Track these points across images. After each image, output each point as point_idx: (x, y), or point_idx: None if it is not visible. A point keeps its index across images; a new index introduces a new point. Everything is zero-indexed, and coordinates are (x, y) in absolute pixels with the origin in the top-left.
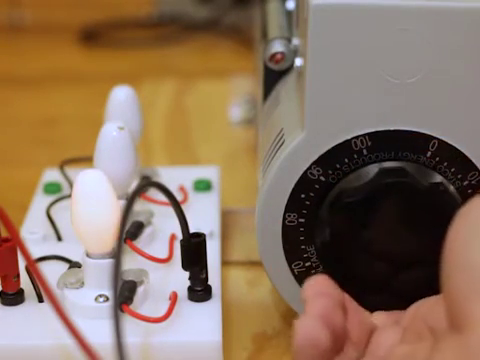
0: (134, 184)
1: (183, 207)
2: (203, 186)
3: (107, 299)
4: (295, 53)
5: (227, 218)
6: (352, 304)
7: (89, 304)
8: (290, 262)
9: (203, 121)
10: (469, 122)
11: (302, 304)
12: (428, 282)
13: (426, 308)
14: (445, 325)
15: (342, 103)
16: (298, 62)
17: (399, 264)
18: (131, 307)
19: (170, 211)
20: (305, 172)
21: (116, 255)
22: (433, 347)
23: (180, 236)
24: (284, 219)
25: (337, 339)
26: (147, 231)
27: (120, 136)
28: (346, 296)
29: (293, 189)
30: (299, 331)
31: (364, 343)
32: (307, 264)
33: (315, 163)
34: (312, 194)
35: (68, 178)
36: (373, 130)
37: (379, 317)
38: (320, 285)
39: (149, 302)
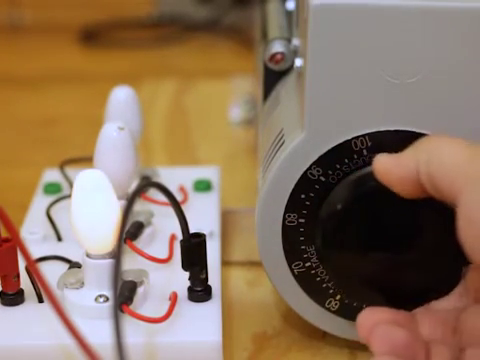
0: (134, 184)
1: (183, 207)
2: (203, 186)
3: (107, 299)
4: (295, 53)
5: (227, 218)
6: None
7: (89, 304)
8: (290, 262)
9: (203, 121)
10: (469, 122)
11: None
12: (432, 279)
13: None
14: None
15: (342, 103)
16: (298, 62)
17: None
18: (131, 307)
19: (170, 211)
20: (305, 172)
21: (116, 255)
22: None
23: (180, 236)
24: (284, 219)
25: (413, 352)
26: (147, 231)
27: (120, 136)
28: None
29: (293, 189)
30: None
31: (452, 336)
32: (307, 264)
33: (315, 163)
34: (312, 194)
35: (68, 178)
36: (373, 130)
37: (442, 304)
38: (369, 317)
39: (149, 302)
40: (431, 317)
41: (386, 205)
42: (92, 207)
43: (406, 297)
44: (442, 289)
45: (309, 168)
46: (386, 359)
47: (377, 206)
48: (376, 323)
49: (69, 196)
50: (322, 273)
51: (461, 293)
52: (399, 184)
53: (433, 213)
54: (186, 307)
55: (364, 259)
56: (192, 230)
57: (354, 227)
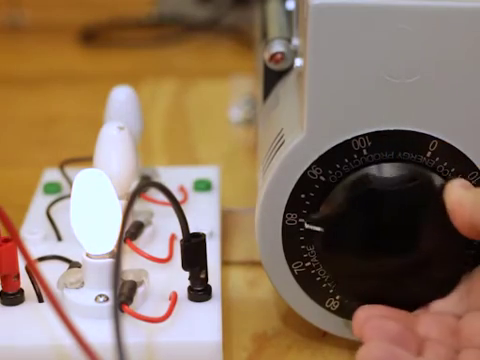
0: (134, 184)
1: (183, 207)
2: (203, 186)
3: (107, 299)
4: (295, 53)
5: (227, 218)
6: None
7: (89, 304)
8: (290, 262)
9: (203, 121)
10: (469, 122)
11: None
12: (432, 279)
13: None
14: None
15: (342, 103)
16: (298, 62)
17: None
18: (131, 307)
19: (170, 211)
20: (305, 172)
21: (116, 255)
22: None
23: (180, 236)
24: (284, 219)
25: (404, 343)
26: (147, 231)
27: (120, 136)
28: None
29: (293, 189)
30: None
31: (448, 337)
32: (307, 264)
33: (315, 163)
34: (312, 194)
35: (68, 178)
36: (373, 130)
37: (440, 305)
38: (362, 316)
39: (149, 302)
40: (429, 317)
41: (386, 205)
42: (92, 207)
43: (406, 297)
44: (442, 290)
45: (309, 168)
46: (376, 342)
47: (377, 206)
48: (369, 317)
49: (69, 196)
50: (322, 273)
51: (461, 296)
52: (470, 226)
53: (433, 214)
54: (186, 307)
55: (363, 259)
56: (192, 230)
57: (354, 227)
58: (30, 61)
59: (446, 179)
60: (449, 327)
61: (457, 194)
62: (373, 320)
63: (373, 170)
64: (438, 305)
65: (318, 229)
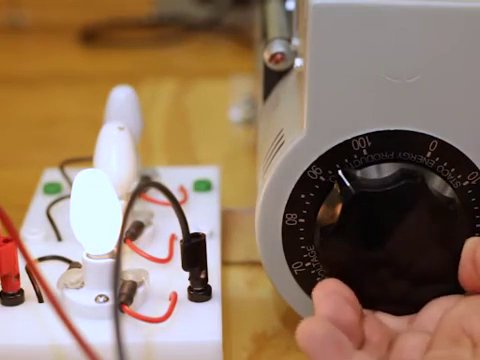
0: (134, 184)
1: (183, 207)
2: (203, 186)
3: (107, 299)
4: (295, 53)
5: (227, 218)
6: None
7: (89, 304)
8: (290, 262)
9: (203, 121)
10: (469, 122)
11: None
12: (430, 286)
13: (460, 312)
14: None
15: (342, 103)
16: (298, 62)
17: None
18: (131, 307)
19: (170, 211)
20: (305, 172)
21: (116, 255)
22: (475, 352)
23: (180, 236)
24: (284, 219)
25: (351, 336)
26: (147, 231)
27: (120, 136)
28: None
29: (293, 189)
30: (301, 331)
31: (384, 347)
32: (307, 264)
33: (315, 163)
34: (312, 194)
35: (68, 178)
36: (373, 130)
37: (391, 321)
38: (328, 286)
39: (149, 302)
40: (375, 322)
41: (386, 205)
42: (92, 207)
43: (405, 298)
44: (440, 290)
45: (309, 168)
46: (322, 321)
47: (377, 206)
48: (335, 292)
49: (69, 196)
50: (322, 273)
51: (411, 317)
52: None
53: (433, 214)
54: (186, 307)
55: (363, 259)
56: (192, 230)
57: (353, 227)
58: (30, 61)
59: (446, 179)
60: (387, 338)
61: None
62: (337, 295)
63: (373, 170)
64: (386, 318)
65: (348, 184)
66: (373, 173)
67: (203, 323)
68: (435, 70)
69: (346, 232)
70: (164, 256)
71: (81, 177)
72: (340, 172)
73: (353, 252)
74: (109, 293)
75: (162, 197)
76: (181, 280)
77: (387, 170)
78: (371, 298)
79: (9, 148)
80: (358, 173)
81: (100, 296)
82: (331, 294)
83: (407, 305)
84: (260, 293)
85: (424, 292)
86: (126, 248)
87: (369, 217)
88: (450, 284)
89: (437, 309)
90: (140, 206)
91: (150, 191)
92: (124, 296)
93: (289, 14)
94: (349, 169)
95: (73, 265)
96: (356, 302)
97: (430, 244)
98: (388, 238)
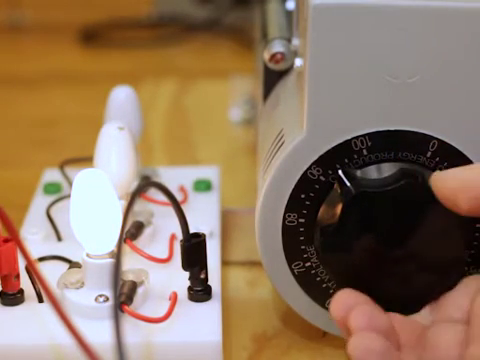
0: (134, 184)
1: (183, 207)
2: (203, 186)
3: (107, 299)
4: (295, 53)
5: (227, 218)
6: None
7: (89, 304)
8: (290, 262)
9: (203, 121)
10: (469, 122)
11: (333, 321)
12: (432, 279)
13: None
14: None
15: (342, 103)
16: (298, 62)
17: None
18: (131, 307)
19: (170, 211)
20: (305, 172)
21: (116, 255)
22: None
23: (180, 236)
24: (284, 219)
25: (391, 341)
26: (147, 231)
27: (120, 136)
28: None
29: (293, 189)
30: (355, 347)
31: (417, 345)
32: (307, 264)
33: (315, 163)
34: (312, 194)
35: (68, 178)
36: (373, 130)
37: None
38: (345, 299)
39: (149, 302)
40: (400, 319)
41: (386, 205)
42: (92, 207)
43: (405, 298)
44: (441, 290)
45: (309, 168)
46: (371, 334)
47: (377, 206)
48: (357, 303)
49: (69, 196)
50: (322, 273)
51: (432, 307)
52: (471, 208)
53: (433, 214)
54: (186, 307)
55: (363, 259)
56: (192, 230)
57: (354, 227)
58: (30, 61)
59: None
60: (416, 334)
61: (453, 181)
62: (364, 306)
63: (373, 170)
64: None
65: (348, 184)
66: (373, 173)
67: (203, 323)
68: (435, 70)
69: (346, 232)
70: (164, 256)
71: (81, 177)
72: (340, 172)
73: (353, 252)
74: (109, 293)
75: (162, 197)
76: (181, 280)
77: (387, 170)
78: (372, 298)
79: (9, 148)
80: (358, 173)
81: (100, 296)
82: (355, 306)
83: (408, 305)
84: (260, 293)
85: (424, 292)
86: (126, 248)
87: (369, 217)
88: (451, 282)
89: (461, 295)
90: (140, 206)
91: (150, 191)
92: (124, 296)
93: (289, 14)
94: (349, 169)
95: (73, 265)
96: (375, 304)
97: (430, 243)
98: (388, 238)
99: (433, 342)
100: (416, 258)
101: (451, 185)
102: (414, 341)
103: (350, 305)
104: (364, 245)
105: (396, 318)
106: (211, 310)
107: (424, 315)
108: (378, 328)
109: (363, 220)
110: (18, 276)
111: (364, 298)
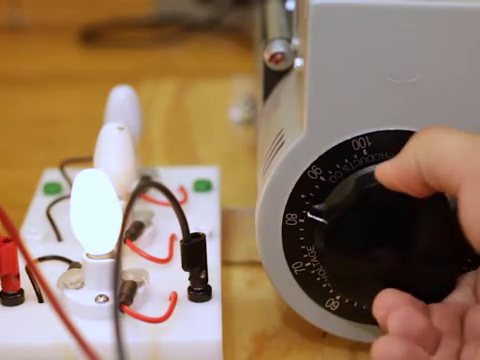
0: (134, 184)
1: (183, 207)
2: (203, 186)
3: (107, 299)
4: (295, 53)
5: (227, 218)
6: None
7: (89, 304)
8: (290, 262)
9: (203, 121)
10: (469, 122)
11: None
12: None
13: None
14: None
15: (342, 103)
16: (298, 62)
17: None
18: (131, 307)
19: (170, 211)
20: (305, 172)
21: (116, 255)
22: None
23: (180, 236)
24: (284, 219)
25: (427, 339)
26: (147, 231)
27: (120, 136)
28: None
29: (293, 189)
30: (378, 352)
31: (457, 331)
32: (307, 264)
33: (315, 163)
34: (312, 194)
35: (68, 178)
36: (373, 130)
37: (454, 296)
38: (386, 300)
39: (149, 302)
40: (441, 308)
41: (386, 205)
42: (92, 207)
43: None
44: (444, 288)
45: (309, 168)
46: (398, 341)
47: (377, 206)
48: (396, 304)
49: (69, 196)
50: (322, 273)
51: (474, 289)
52: (404, 185)
53: (433, 212)
54: (186, 307)
55: (364, 259)
56: (192, 230)
57: (354, 227)
58: (30, 61)
59: None
60: (459, 318)
61: (381, 169)
62: (401, 309)
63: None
64: (452, 296)
65: (321, 220)
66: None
67: (203, 323)
68: (435, 70)
69: (346, 231)
70: (164, 256)
71: (81, 177)
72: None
73: (353, 252)
74: (109, 293)
75: (162, 197)
76: (181, 280)
77: None
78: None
79: (9, 148)
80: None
81: (100, 296)
82: (393, 309)
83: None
84: (260, 293)
85: (424, 291)
86: (126, 248)
87: (369, 217)
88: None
89: None
90: (140, 206)
91: (150, 191)
92: (124, 296)
93: (289, 14)
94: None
95: (73, 265)
96: (416, 302)
97: (432, 243)
98: (389, 237)
99: (471, 321)
100: (415, 258)
101: (391, 173)
102: (456, 324)
103: (390, 305)
104: (364, 245)
105: (435, 308)
106: (211, 310)
107: (469, 297)
108: (411, 331)
109: (363, 220)
110: (18, 276)
111: (405, 298)
